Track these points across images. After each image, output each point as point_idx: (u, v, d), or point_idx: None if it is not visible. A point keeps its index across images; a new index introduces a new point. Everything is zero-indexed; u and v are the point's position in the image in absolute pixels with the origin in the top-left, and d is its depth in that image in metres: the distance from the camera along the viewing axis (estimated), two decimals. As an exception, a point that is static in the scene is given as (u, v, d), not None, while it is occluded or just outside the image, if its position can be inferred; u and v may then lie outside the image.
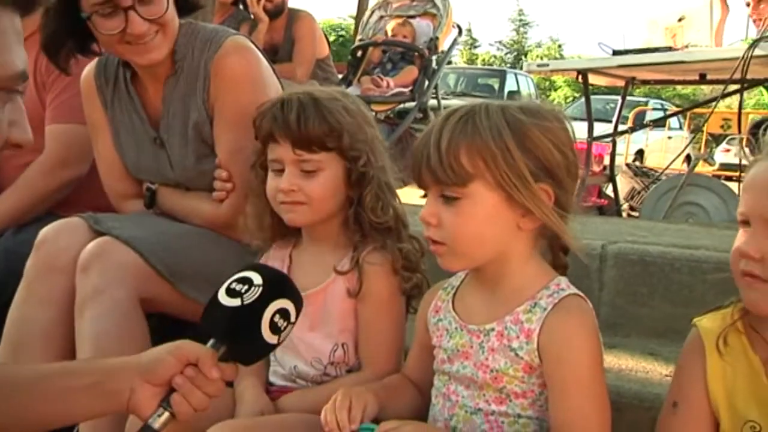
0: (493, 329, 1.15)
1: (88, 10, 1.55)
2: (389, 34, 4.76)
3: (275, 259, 1.49)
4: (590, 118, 4.33)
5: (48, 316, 1.54)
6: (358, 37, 5.17)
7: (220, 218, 1.68)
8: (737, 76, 3.14)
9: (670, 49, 3.51)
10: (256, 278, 1.04)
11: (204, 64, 1.65)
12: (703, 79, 3.92)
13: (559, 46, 43.10)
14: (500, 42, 43.59)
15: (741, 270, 1.03)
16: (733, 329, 1.10)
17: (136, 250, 1.53)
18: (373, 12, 5.12)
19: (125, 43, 1.58)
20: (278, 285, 1.06)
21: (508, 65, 36.81)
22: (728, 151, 11.14)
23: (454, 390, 1.19)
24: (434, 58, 4.75)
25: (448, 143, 1.09)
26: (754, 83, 3.35)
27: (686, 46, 3.45)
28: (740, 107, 3.33)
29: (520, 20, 42.56)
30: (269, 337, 1.03)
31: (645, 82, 4.40)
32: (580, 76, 3.99)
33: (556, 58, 40.94)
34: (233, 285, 1.04)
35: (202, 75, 1.65)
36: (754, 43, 3.15)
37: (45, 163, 1.99)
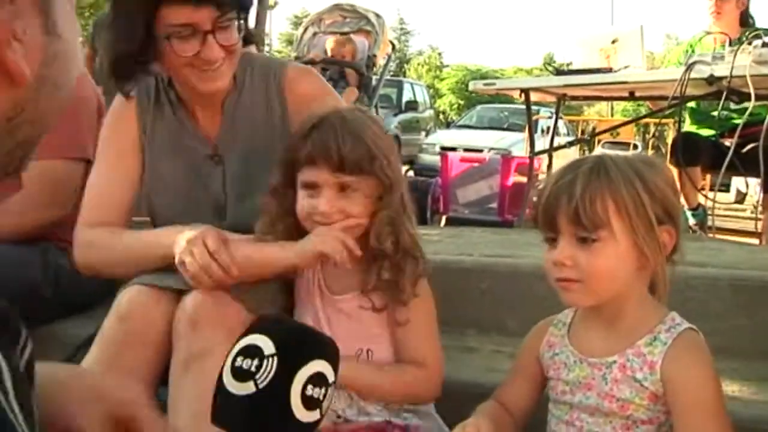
0: (614, 361, 1.22)
1: (165, 30, 1.49)
2: (328, 52, 4.77)
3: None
4: (531, 134, 4.52)
5: None
6: (293, 54, 5.14)
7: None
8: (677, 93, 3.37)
9: (610, 70, 3.73)
10: (267, 345, 0.77)
11: (276, 91, 1.66)
12: (632, 96, 4.20)
13: (440, 54, 44.38)
14: (382, 50, 44.26)
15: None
16: None
17: (246, 305, 1.45)
18: (306, 28, 5.11)
19: (193, 67, 1.53)
20: (298, 346, 0.78)
21: (391, 73, 37.43)
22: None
23: (578, 417, 1.25)
24: (372, 75, 4.83)
25: (583, 191, 1.18)
26: (687, 99, 3.61)
27: (626, 67, 3.67)
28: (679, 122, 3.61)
29: (401, 29, 43.43)
30: (306, 415, 0.76)
31: (574, 98, 4.64)
32: (522, 94, 4.17)
33: (437, 66, 42.15)
34: (239, 362, 0.77)
35: (276, 103, 1.66)
36: (690, 66, 3.40)
37: (24, 203, 1.83)
